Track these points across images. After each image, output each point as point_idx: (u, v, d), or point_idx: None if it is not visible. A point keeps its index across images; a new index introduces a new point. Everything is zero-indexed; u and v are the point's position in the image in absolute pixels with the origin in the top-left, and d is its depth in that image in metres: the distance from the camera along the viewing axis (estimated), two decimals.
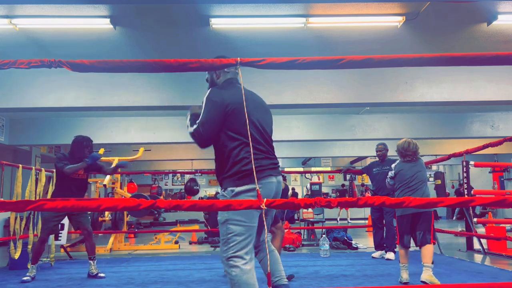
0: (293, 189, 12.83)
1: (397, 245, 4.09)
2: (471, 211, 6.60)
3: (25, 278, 4.57)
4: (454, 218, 16.21)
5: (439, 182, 12.31)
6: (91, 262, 4.74)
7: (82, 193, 4.83)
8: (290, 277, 4.17)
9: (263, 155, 2.35)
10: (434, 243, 3.96)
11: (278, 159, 2.55)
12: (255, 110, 2.41)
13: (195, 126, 2.33)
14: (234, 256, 2.19)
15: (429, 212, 3.97)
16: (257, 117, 2.40)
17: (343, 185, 18.19)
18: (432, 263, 3.88)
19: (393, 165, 4.28)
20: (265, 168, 2.32)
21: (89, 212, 5.01)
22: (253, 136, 2.30)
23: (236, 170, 2.27)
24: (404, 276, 4.01)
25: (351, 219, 15.48)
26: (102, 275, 4.73)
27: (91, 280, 4.61)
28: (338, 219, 15.14)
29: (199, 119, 2.32)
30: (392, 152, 7.65)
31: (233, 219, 2.21)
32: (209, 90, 2.40)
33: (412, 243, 4.11)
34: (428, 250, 3.90)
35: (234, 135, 2.30)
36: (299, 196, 17.48)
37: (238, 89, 2.36)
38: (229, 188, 2.28)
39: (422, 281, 3.83)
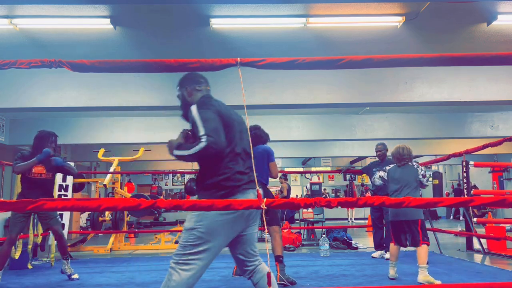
0: None
1: (391, 244, 4.30)
2: (471, 211, 6.60)
3: None
4: (451, 217, 16.23)
5: (436, 182, 12.35)
6: (65, 261, 4.62)
7: (48, 196, 4.41)
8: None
9: (246, 170, 2.30)
10: (428, 244, 4.08)
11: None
12: (240, 125, 2.35)
13: (203, 139, 2.12)
14: (183, 263, 2.16)
15: (415, 220, 4.10)
16: (241, 130, 2.34)
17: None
18: (427, 263, 3.98)
19: (387, 167, 4.50)
20: (245, 183, 2.26)
21: (58, 213, 4.72)
22: (238, 151, 2.27)
23: (218, 183, 2.21)
24: (391, 272, 4.20)
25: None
26: (75, 276, 4.61)
27: (91, 280, 4.61)
28: (349, 219, 15.02)
29: (203, 131, 2.14)
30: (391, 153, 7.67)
31: (199, 230, 2.16)
32: (192, 107, 2.27)
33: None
34: (422, 251, 4.01)
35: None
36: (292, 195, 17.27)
37: (220, 103, 2.32)
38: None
39: (419, 282, 3.89)
